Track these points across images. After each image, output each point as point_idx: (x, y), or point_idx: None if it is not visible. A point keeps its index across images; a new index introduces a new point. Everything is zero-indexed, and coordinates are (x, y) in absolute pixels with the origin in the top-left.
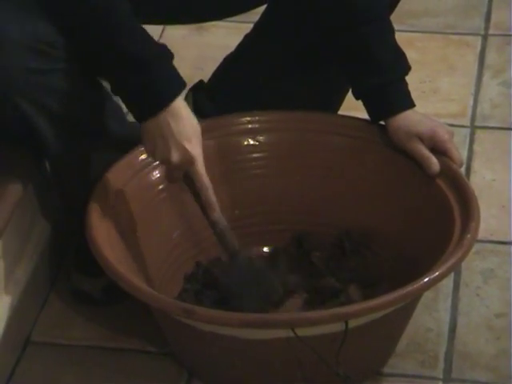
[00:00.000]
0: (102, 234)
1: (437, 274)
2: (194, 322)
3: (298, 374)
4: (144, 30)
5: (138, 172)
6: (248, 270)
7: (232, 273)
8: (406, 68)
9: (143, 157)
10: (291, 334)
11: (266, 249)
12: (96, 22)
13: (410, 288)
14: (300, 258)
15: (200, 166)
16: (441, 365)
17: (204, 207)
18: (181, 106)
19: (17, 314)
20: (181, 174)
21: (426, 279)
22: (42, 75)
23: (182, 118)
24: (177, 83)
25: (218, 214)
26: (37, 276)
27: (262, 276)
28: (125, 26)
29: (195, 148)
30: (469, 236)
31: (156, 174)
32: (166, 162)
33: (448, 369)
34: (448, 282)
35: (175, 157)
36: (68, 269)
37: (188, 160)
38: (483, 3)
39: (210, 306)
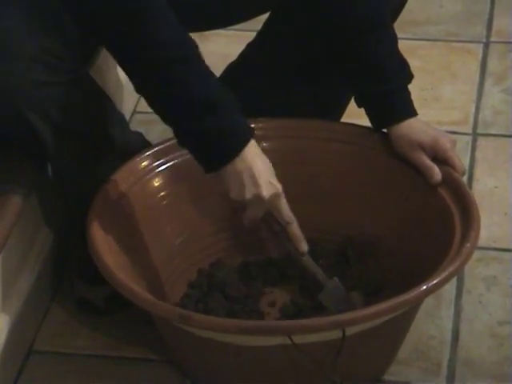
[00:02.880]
0: (103, 240)
1: (434, 282)
2: (191, 328)
3: (294, 381)
4: (212, 73)
5: (140, 179)
6: (339, 295)
7: (327, 297)
8: (409, 76)
9: (145, 163)
10: (288, 342)
11: (270, 256)
12: (165, 68)
13: (407, 296)
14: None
15: (284, 200)
16: (444, 372)
17: (289, 241)
18: (256, 145)
19: (19, 323)
20: (261, 212)
21: (424, 287)
22: (48, 87)
23: (261, 155)
24: (249, 124)
25: (306, 245)
26: (39, 285)
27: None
28: (199, 72)
29: (278, 182)
30: (468, 245)
31: (158, 180)
32: (257, 199)
33: (451, 376)
34: (451, 289)
35: (266, 191)
36: (71, 278)
37: (276, 194)
38: (485, 11)
39: (218, 309)
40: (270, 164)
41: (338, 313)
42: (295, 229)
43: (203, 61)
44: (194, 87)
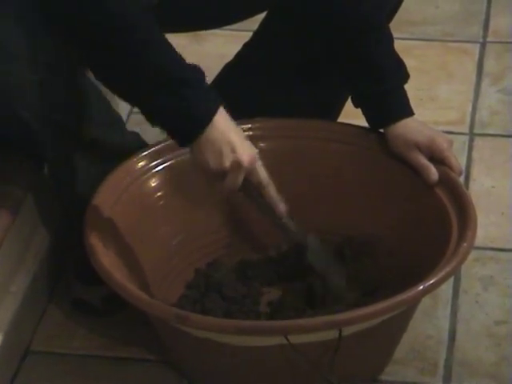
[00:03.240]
0: (100, 241)
1: (431, 282)
2: (188, 328)
3: (291, 381)
4: (171, 46)
5: (137, 179)
6: (323, 252)
7: (312, 256)
8: (405, 76)
9: (141, 164)
10: (285, 342)
11: (267, 255)
12: (131, 43)
13: (404, 296)
14: (299, 264)
15: (260, 163)
16: (440, 372)
17: (268, 205)
18: (225, 111)
19: (16, 324)
20: (240, 179)
21: (421, 287)
22: (44, 87)
23: (232, 121)
24: (215, 92)
25: (284, 206)
26: (36, 286)
27: (332, 257)
28: (158, 43)
29: (252, 145)
30: (465, 245)
31: (154, 181)
32: (236, 166)
33: (448, 376)
34: (447, 289)
35: (245, 157)
36: (67, 278)
37: (254, 157)
38: (481, 11)
39: (215, 310)
40: (241, 128)
41: (327, 272)
42: (273, 191)
43: (159, 30)
44: (159, 61)
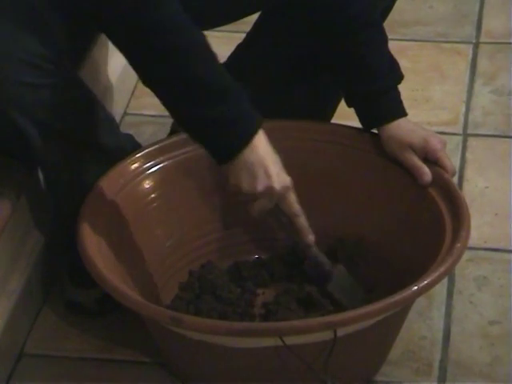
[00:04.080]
0: (94, 243)
1: (425, 282)
2: (183, 330)
3: (286, 382)
4: (219, 62)
5: (130, 181)
6: (348, 284)
7: (335, 287)
8: (399, 77)
9: (135, 165)
10: (279, 343)
11: (260, 257)
12: (175, 56)
13: (398, 297)
14: (293, 266)
15: (293, 192)
16: (435, 372)
17: (296, 233)
18: (265, 136)
19: (10, 326)
20: (271, 204)
21: (415, 288)
22: (37, 89)
23: (270, 145)
24: (257, 113)
25: (312, 237)
26: (30, 288)
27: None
28: (209, 59)
29: (287, 176)
30: (459, 245)
31: (148, 182)
32: (268, 191)
33: (442, 376)
34: (442, 290)
35: (277, 183)
36: (61, 280)
37: (287, 186)
38: (474, 11)
39: (209, 312)
40: (278, 156)
41: (351, 304)
42: (303, 221)
43: (212, 49)
44: (206, 74)
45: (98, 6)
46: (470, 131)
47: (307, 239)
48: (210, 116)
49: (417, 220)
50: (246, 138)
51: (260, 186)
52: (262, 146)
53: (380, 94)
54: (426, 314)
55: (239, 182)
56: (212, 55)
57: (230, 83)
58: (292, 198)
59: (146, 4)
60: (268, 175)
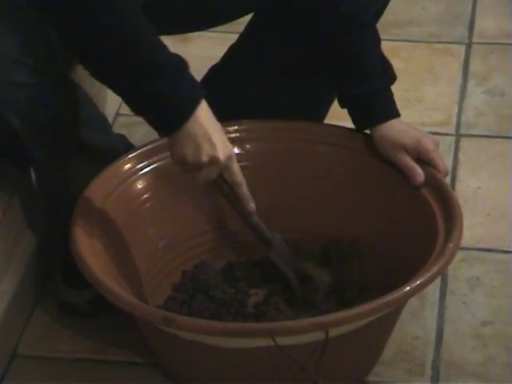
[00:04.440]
0: (86, 243)
1: (418, 283)
2: (175, 330)
3: (278, 382)
4: (159, 38)
5: (123, 181)
6: (285, 252)
7: (276, 255)
8: (392, 77)
9: (128, 166)
10: (271, 343)
11: (253, 257)
12: (114, 33)
13: (390, 297)
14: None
15: (236, 162)
16: (428, 373)
17: (238, 201)
18: (207, 106)
19: (2, 327)
20: (215, 174)
21: (407, 288)
22: (30, 89)
23: (213, 116)
24: (199, 85)
25: (253, 205)
26: (23, 289)
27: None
28: (144, 35)
29: (227, 145)
30: (451, 245)
31: (141, 183)
32: (213, 161)
33: (435, 377)
34: (434, 290)
35: (222, 153)
36: (54, 281)
37: (230, 156)
38: (466, 12)
39: (202, 312)
40: (220, 125)
41: (288, 270)
42: (244, 190)
43: (147, 23)
44: (143, 49)
45: None
46: (462, 132)
47: (248, 207)
48: (150, 90)
49: (409, 220)
50: (188, 111)
51: (205, 157)
52: (205, 117)
53: (373, 95)
54: (418, 315)
55: (184, 153)
56: (148, 29)
57: (168, 56)
58: (235, 167)
59: None
60: (212, 146)
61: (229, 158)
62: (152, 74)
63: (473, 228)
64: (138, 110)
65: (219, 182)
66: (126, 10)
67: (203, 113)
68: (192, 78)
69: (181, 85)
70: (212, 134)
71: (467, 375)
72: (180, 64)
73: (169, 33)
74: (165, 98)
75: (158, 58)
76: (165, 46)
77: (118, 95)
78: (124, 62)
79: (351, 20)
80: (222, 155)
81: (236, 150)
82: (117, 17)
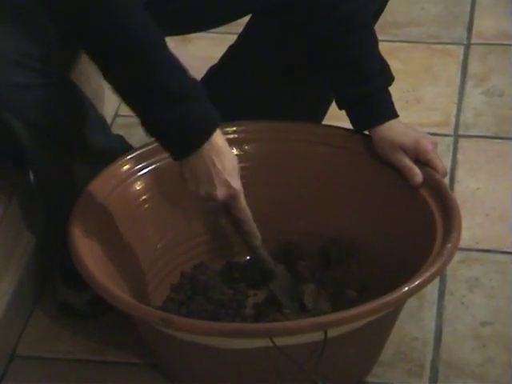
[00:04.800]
0: (85, 244)
1: (416, 283)
2: (173, 331)
3: (277, 383)
4: (178, 61)
5: (122, 182)
6: (288, 284)
7: (276, 287)
8: (390, 78)
9: (126, 167)
10: (270, 344)
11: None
12: (132, 55)
13: (389, 298)
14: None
15: (242, 199)
16: (427, 373)
17: (245, 235)
18: (221, 138)
19: (2, 328)
20: (216, 206)
21: (406, 289)
22: (28, 90)
23: (224, 151)
24: (215, 114)
25: (259, 241)
26: (22, 289)
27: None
28: (161, 56)
29: (237, 182)
30: (450, 246)
31: (139, 184)
32: (210, 199)
33: (434, 377)
34: (433, 291)
35: (220, 193)
36: (53, 282)
37: (232, 195)
38: (465, 13)
39: (201, 313)
40: (235, 159)
41: (289, 303)
42: (249, 226)
43: (168, 47)
44: (162, 73)
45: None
46: (461, 132)
47: (253, 243)
48: (161, 118)
49: (408, 221)
50: (191, 146)
51: (202, 192)
52: (214, 149)
53: (371, 96)
54: (417, 315)
55: (185, 181)
56: (169, 54)
57: (187, 83)
58: (239, 204)
59: (107, 0)
60: (211, 183)
61: (229, 197)
62: (168, 99)
63: (472, 229)
64: (147, 128)
65: (226, 212)
66: (146, 29)
67: (211, 148)
68: (208, 107)
69: (193, 114)
70: (214, 171)
71: (466, 376)
72: (197, 90)
73: (169, 34)
74: (174, 125)
75: (177, 82)
76: (184, 71)
77: (133, 112)
78: (138, 85)
79: (350, 21)
80: (220, 194)
81: (234, 151)
82: (137, 36)
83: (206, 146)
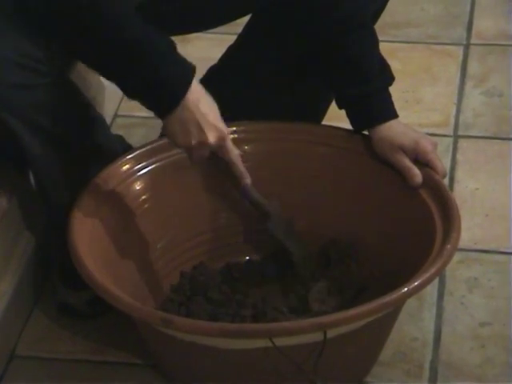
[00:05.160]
0: (85, 244)
1: (416, 284)
2: (173, 332)
3: (277, 383)
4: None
5: (121, 182)
6: (283, 223)
7: (275, 227)
8: (390, 78)
9: (126, 167)
10: (270, 344)
11: (251, 258)
12: (103, 19)
13: (388, 298)
14: (285, 266)
15: (229, 140)
16: (426, 374)
17: (235, 177)
18: (199, 85)
19: (1, 328)
20: (207, 154)
21: (405, 289)
22: (28, 90)
23: (205, 98)
24: (189, 66)
25: (249, 180)
26: (21, 289)
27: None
28: (133, 18)
29: (223, 124)
30: (449, 246)
31: (139, 184)
32: (202, 145)
33: (433, 378)
34: (432, 291)
35: (211, 137)
36: (53, 282)
37: (222, 136)
38: (465, 13)
39: (200, 313)
40: (215, 104)
41: (287, 240)
42: (240, 167)
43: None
44: (132, 35)
45: None
46: (460, 133)
47: (245, 182)
48: (139, 76)
49: (407, 221)
50: (177, 96)
51: (194, 141)
52: (195, 101)
53: (371, 96)
54: (417, 316)
55: (174, 137)
56: (136, 13)
57: (157, 40)
58: (228, 146)
59: None
60: (200, 130)
61: (219, 139)
62: (139, 59)
63: (471, 229)
64: (128, 94)
65: (214, 160)
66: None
67: (193, 96)
68: (181, 60)
69: (168, 70)
70: (201, 118)
71: (465, 376)
72: (168, 46)
73: (168, 34)
74: (153, 84)
75: (146, 43)
76: (154, 30)
77: (110, 79)
78: (112, 48)
79: (350, 21)
80: (211, 138)
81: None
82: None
83: (189, 95)
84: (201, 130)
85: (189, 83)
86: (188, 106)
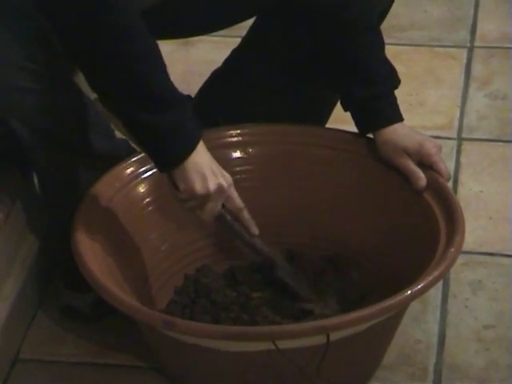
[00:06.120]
0: (88, 247)
1: (419, 287)
2: (176, 334)
3: None
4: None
5: (125, 185)
6: (289, 267)
7: (281, 271)
8: (396, 81)
9: (130, 170)
10: (272, 347)
11: (255, 261)
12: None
13: (392, 301)
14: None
15: (233, 188)
16: (430, 377)
17: (243, 228)
18: (202, 142)
19: (5, 331)
20: (220, 203)
21: (409, 292)
22: (32, 93)
23: (206, 152)
24: (199, 124)
25: (256, 228)
26: (25, 292)
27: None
28: (155, 67)
29: (225, 172)
30: (453, 249)
31: (143, 187)
32: (220, 190)
33: (437, 381)
34: (436, 294)
35: (223, 181)
36: (56, 285)
37: (230, 183)
38: (468, 16)
39: (204, 315)
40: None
41: (297, 284)
42: (247, 214)
43: (162, 57)
44: (157, 82)
45: (54, 7)
46: (464, 135)
47: (252, 230)
48: (158, 122)
49: (412, 224)
50: (193, 144)
51: (212, 185)
52: (203, 150)
53: (377, 99)
54: (420, 318)
55: (192, 185)
56: (163, 64)
57: (176, 93)
58: (235, 193)
59: (102, 8)
60: (215, 174)
61: (230, 185)
62: (164, 105)
63: (475, 232)
64: (142, 141)
65: (223, 213)
66: (143, 37)
67: (202, 146)
68: (193, 114)
69: (187, 119)
70: (213, 164)
71: (470, 379)
72: (185, 100)
73: (171, 37)
74: (172, 130)
75: (169, 91)
76: (171, 81)
77: (125, 126)
78: (138, 92)
79: (356, 23)
80: (224, 183)
81: (238, 154)
82: (135, 45)
83: (201, 145)
84: (215, 175)
85: (201, 133)
86: (201, 153)
